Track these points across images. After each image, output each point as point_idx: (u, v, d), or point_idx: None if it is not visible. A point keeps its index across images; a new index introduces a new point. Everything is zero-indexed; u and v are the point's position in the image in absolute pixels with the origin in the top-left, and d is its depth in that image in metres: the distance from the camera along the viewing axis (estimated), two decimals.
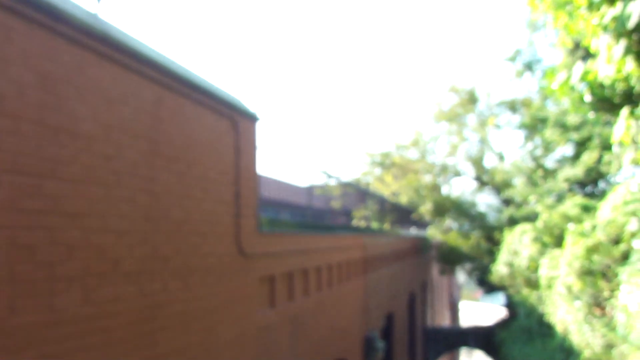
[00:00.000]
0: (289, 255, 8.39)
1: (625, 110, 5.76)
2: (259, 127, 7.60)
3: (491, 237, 23.51)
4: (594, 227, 10.10)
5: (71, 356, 4.07)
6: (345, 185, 14.83)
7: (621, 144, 5.98)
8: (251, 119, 7.38)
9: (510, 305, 24.73)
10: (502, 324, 23.67)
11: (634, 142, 5.78)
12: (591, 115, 6.86)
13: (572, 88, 6.73)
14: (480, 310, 71.04)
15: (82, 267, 4.21)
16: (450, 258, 26.19)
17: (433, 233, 26.60)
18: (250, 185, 7.27)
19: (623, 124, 5.75)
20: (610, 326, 8.60)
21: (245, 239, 6.94)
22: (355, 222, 16.45)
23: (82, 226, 4.23)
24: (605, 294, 8.83)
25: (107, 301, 4.47)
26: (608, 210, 9.20)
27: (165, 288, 5.28)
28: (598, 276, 8.99)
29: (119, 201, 4.68)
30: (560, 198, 19.02)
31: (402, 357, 19.14)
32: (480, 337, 24.77)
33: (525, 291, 15.98)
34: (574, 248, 9.70)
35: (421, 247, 24.85)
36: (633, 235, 8.22)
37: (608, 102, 6.46)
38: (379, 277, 15.17)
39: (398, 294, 18.37)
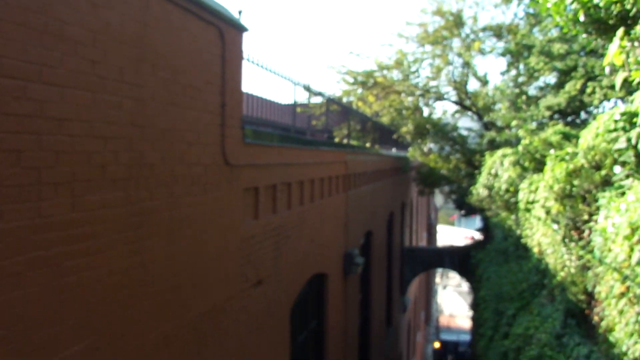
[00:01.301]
0: (273, 167, 8.39)
1: (620, 31, 5.70)
2: (245, 38, 7.45)
3: (471, 161, 23.61)
4: (575, 154, 10.17)
5: (59, 262, 4.09)
6: (328, 102, 14.68)
7: (613, 64, 5.93)
8: (238, 29, 7.22)
9: (487, 228, 25.15)
10: (478, 246, 24.13)
11: (627, 62, 5.76)
12: (584, 36, 6.78)
13: (567, 8, 6.64)
14: (455, 234, 72.52)
15: (69, 173, 4.17)
16: (429, 180, 26.35)
17: (413, 154, 26.67)
18: (236, 96, 7.18)
19: (617, 44, 5.70)
20: (587, 249, 8.78)
21: (230, 149, 6.91)
22: (337, 141, 16.40)
23: (68, 131, 4.16)
24: (584, 217, 8.97)
25: (94, 207, 4.45)
26: (590, 138, 9.22)
27: (152, 195, 5.27)
28: (578, 200, 9.11)
29: (105, 107, 4.60)
30: (541, 126, 19.06)
31: (379, 274, 19.56)
32: (455, 258, 25.31)
33: (503, 214, 16.22)
34: (554, 172, 9.77)
35: (401, 167, 24.97)
36: (616, 160, 8.27)
37: (603, 23, 6.38)
38: (360, 194, 15.30)
39: (378, 213, 18.59)
